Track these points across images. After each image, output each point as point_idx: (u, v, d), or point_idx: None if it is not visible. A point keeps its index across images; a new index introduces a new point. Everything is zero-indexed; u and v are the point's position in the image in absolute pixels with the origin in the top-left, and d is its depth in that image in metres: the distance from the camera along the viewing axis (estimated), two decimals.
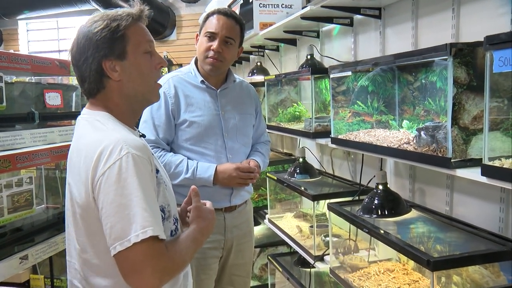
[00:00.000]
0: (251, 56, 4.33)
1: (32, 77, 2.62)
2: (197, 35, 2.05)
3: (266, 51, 3.84)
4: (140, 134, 1.36)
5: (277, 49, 3.70)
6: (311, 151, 2.96)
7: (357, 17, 2.45)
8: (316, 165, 2.87)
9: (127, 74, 1.25)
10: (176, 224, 1.31)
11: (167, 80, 2.02)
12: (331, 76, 2.08)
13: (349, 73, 1.93)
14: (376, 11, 2.23)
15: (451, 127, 1.33)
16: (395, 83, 1.89)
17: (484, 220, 1.67)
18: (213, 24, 1.96)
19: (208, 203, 1.41)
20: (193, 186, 1.39)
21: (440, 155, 1.40)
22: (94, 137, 1.19)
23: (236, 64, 4.90)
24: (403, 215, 1.83)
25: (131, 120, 1.32)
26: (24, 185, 2.13)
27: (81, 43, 1.23)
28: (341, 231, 2.42)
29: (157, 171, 1.25)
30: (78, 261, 1.23)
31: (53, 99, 2.41)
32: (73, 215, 1.22)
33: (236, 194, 2.08)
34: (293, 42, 3.32)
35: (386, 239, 1.61)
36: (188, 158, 1.99)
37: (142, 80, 1.28)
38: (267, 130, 2.98)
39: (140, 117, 2.03)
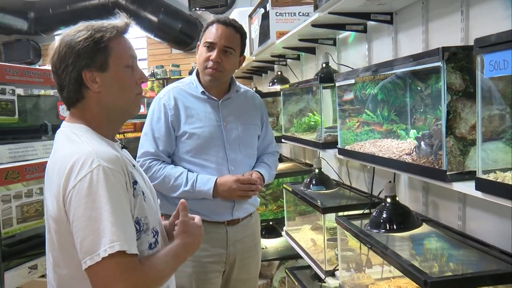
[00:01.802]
0: (275, 66, 4.29)
1: (51, 90, 2.69)
2: (198, 45, 2.02)
3: (288, 60, 3.79)
4: (122, 145, 1.34)
5: (298, 58, 3.64)
6: (328, 162, 2.87)
7: (370, 23, 2.36)
8: (334, 176, 2.78)
9: (107, 86, 1.24)
10: (156, 237, 1.27)
11: (167, 92, 2.01)
12: (337, 84, 2.01)
13: (352, 81, 1.86)
14: (387, 16, 2.14)
15: (446, 137, 1.23)
16: (400, 90, 1.80)
17: (497, 237, 1.54)
18: (212, 33, 1.93)
19: (197, 218, 1.37)
20: (182, 200, 1.35)
21: (437, 167, 1.30)
22: (68, 149, 1.18)
23: (263, 74, 4.87)
24: (413, 229, 1.73)
25: (110, 132, 1.30)
26: (34, 195, 2.16)
27: (63, 51, 1.23)
28: (358, 245, 2.32)
29: (135, 182, 1.23)
30: (54, 277, 1.22)
31: (66, 111, 2.45)
32: (48, 229, 1.21)
33: (239, 207, 2.02)
34: (312, 51, 3.25)
35: (385, 256, 1.52)
36: (189, 171, 1.96)
37: (122, 93, 1.27)
38: (283, 140, 2.93)
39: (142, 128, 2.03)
